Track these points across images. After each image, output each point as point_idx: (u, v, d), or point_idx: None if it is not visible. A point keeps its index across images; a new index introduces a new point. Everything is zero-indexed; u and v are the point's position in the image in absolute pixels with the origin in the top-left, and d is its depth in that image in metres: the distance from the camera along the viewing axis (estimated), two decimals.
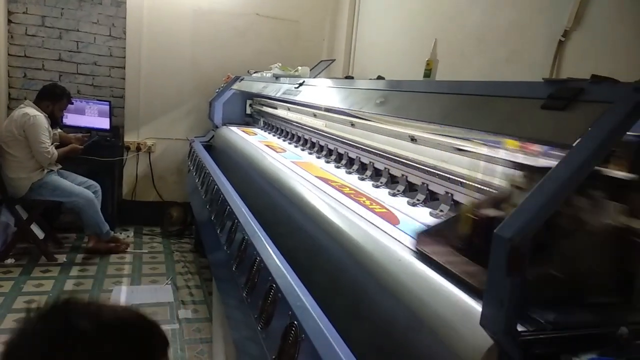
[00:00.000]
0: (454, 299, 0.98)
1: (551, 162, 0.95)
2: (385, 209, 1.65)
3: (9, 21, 4.25)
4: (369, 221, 1.47)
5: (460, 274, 1.00)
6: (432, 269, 1.06)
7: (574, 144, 0.83)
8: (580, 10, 2.07)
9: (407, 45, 3.46)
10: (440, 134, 1.70)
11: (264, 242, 1.67)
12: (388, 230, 1.39)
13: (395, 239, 1.30)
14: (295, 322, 1.20)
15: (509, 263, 0.78)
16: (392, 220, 1.51)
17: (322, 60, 4.21)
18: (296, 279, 1.39)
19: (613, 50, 1.92)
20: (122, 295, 3.31)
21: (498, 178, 1.38)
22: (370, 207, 1.66)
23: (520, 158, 1.08)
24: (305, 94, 2.33)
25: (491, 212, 1.01)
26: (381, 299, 1.20)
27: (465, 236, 1.06)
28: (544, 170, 0.87)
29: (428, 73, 1.57)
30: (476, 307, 0.90)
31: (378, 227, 1.41)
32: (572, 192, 0.82)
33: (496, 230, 0.80)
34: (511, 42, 2.46)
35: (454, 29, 2.88)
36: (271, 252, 1.58)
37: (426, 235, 1.18)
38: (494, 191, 1.28)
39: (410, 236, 1.34)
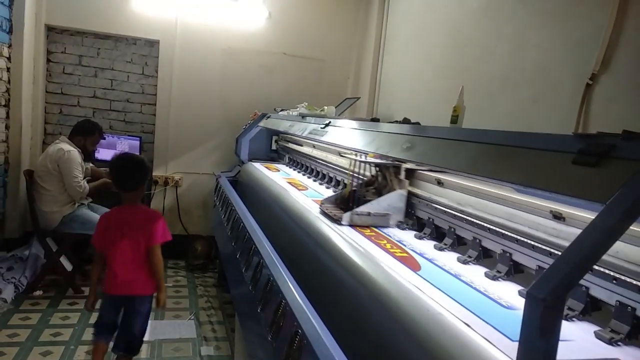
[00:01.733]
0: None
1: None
2: (407, 253, 1.64)
3: (48, 60, 4.45)
4: (388, 266, 1.47)
5: (331, 215, 1.96)
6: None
7: (607, 202, 0.82)
8: (608, 53, 2.07)
9: (432, 85, 3.49)
10: (467, 177, 1.70)
11: (290, 285, 1.67)
12: (408, 276, 1.38)
13: (416, 286, 1.30)
14: None
15: (542, 323, 0.77)
16: (413, 265, 1.50)
17: (347, 98, 4.28)
18: (322, 325, 1.38)
19: None
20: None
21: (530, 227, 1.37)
22: (391, 250, 1.65)
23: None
24: (331, 135, 2.36)
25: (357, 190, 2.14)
26: (408, 346, 1.19)
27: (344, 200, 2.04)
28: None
29: (455, 119, 1.58)
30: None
31: (398, 274, 1.41)
32: (606, 251, 0.81)
33: (529, 289, 0.79)
34: (537, 84, 2.46)
35: (479, 69, 2.91)
36: (297, 295, 1.58)
37: (326, 201, 2.17)
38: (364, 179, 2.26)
39: (432, 284, 1.34)
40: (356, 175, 2.28)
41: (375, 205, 2.02)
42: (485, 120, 2.70)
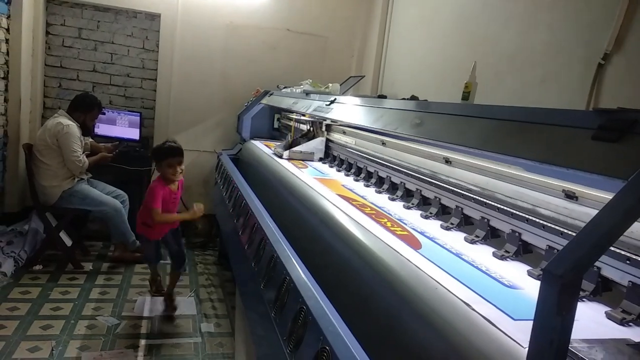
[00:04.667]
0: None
1: None
2: (407, 231, 1.62)
3: (47, 32, 4.38)
4: (386, 244, 1.46)
5: (278, 154, 3.21)
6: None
7: (629, 179, 0.80)
8: (622, 32, 2.02)
9: (438, 64, 3.44)
10: (476, 157, 1.67)
11: (294, 261, 1.66)
12: (408, 255, 1.37)
13: (414, 263, 1.29)
14: (327, 348, 1.17)
15: (560, 301, 0.75)
16: (414, 244, 1.49)
17: (351, 76, 4.22)
18: (327, 302, 1.37)
19: None
20: (146, 305, 3.32)
21: (540, 206, 1.35)
22: (392, 228, 1.64)
23: None
24: (337, 112, 2.32)
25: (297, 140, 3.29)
26: (413, 323, 1.18)
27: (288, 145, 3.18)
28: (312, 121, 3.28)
29: (467, 96, 1.54)
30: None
31: (397, 251, 1.39)
32: (627, 228, 0.79)
33: (547, 266, 0.77)
34: (546, 64, 2.42)
35: (487, 49, 2.85)
36: (301, 272, 1.57)
37: (277, 146, 3.30)
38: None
39: (431, 261, 1.32)
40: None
41: (304, 147, 3.17)
42: (492, 100, 2.65)
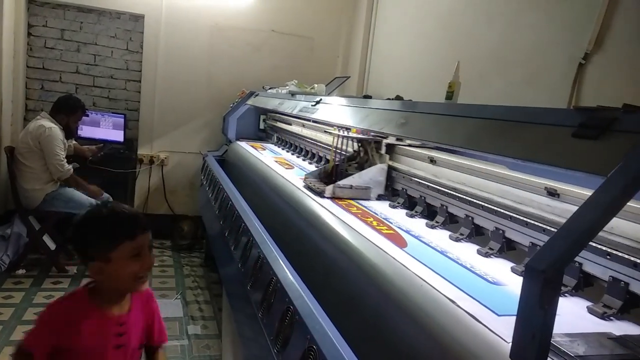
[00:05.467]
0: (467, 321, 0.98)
1: None
2: (393, 230, 1.64)
3: (29, 34, 4.32)
4: (372, 242, 1.47)
5: (315, 188, 1.98)
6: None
7: (608, 175, 0.81)
8: (602, 32, 2.06)
9: (423, 65, 3.47)
10: (460, 157, 1.69)
11: (281, 262, 1.66)
12: (394, 253, 1.38)
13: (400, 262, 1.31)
14: (314, 347, 1.18)
15: (542, 296, 0.76)
16: (400, 242, 1.50)
17: (336, 77, 4.24)
18: (314, 301, 1.38)
19: (635, 75, 1.91)
20: None
21: (523, 204, 1.37)
22: (377, 227, 1.65)
23: None
24: (323, 112, 2.33)
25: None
26: (399, 321, 1.19)
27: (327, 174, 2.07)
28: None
29: (450, 95, 1.56)
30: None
31: (382, 250, 1.40)
32: (606, 223, 0.80)
33: (529, 261, 0.78)
34: (530, 64, 2.45)
35: (471, 49, 2.88)
36: (288, 273, 1.57)
37: (310, 175, 2.18)
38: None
39: (416, 259, 1.33)
40: (339, 150, 2.29)
41: (357, 179, 2.08)
42: (477, 100, 2.68)
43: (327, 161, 2.87)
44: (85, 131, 4.32)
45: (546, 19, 2.39)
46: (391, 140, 2.11)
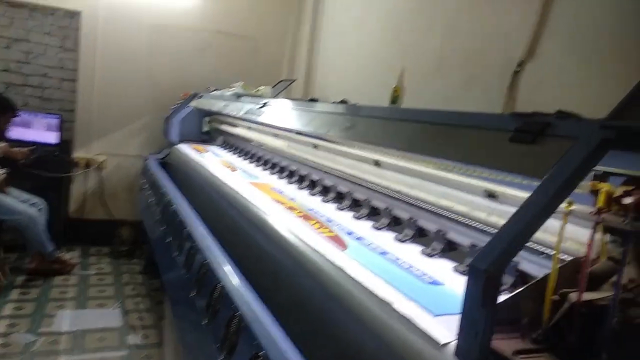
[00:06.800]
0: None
1: None
2: (334, 232, 1.64)
3: None
4: (310, 245, 1.47)
5: None
6: None
7: (543, 178, 0.85)
8: (534, 42, 2.17)
9: (368, 68, 3.52)
10: (404, 159, 1.73)
11: (226, 267, 1.63)
12: (331, 255, 1.39)
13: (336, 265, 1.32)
14: (261, 353, 1.16)
15: (484, 294, 0.79)
16: (340, 244, 1.51)
17: (282, 80, 4.22)
18: (261, 306, 1.36)
19: (565, 82, 2.02)
20: (66, 320, 3.13)
21: (464, 205, 1.41)
22: (319, 230, 1.65)
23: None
24: (269, 115, 2.31)
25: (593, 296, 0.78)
26: (340, 324, 1.20)
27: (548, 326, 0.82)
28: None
29: (395, 99, 1.59)
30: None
31: (318, 252, 1.41)
32: (542, 224, 0.84)
33: (472, 261, 0.81)
34: (469, 69, 2.54)
35: (414, 53, 2.96)
36: (234, 278, 1.54)
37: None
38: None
39: (355, 260, 1.34)
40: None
41: None
42: (420, 103, 2.76)
43: (274, 165, 2.84)
44: (15, 132, 4.06)
45: (483, 27, 2.49)
46: None
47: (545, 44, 2.14)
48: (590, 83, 1.89)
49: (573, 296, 0.77)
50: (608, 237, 0.85)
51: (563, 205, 0.85)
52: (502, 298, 1.09)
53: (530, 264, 1.19)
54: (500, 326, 0.81)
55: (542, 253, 1.16)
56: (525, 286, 0.89)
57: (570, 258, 0.95)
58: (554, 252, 0.87)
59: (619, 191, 0.79)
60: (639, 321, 0.73)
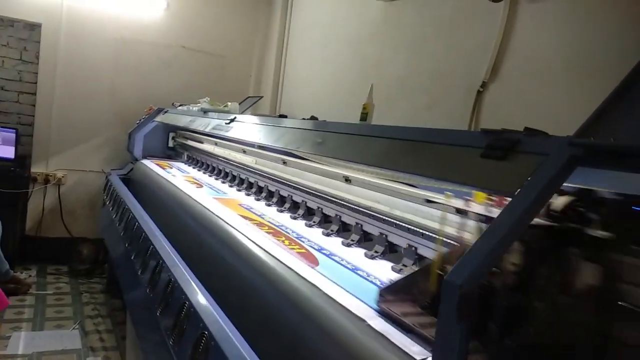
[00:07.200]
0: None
1: None
2: (305, 249, 1.64)
3: None
4: (281, 262, 1.46)
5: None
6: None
7: (515, 193, 0.87)
8: (497, 63, 2.24)
9: (335, 87, 3.55)
10: (373, 175, 1.74)
11: (193, 285, 1.59)
12: (304, 272, 1.38)
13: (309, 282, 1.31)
14: None
15: (460, 310, 0.79)
16: (311, 261, 1.50)
17: (249, 96, 4.22)
18: (230, 325, 1.33)
19: (526, 102, 2.09)
20: (21, 342, 2.97)
21: (434, 221, 1.43)
22: (289, 247, 1.65)
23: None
24: (237, 130, 2.29)
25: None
26: (311, 340, 1.18)
27: (432, 293, 0.98)
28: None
29: (365, 116, 1.61)
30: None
31: (291, 269, 1.40)
32: (516, 239, 0.86)
33: (446, 277, 0.81)
34: (433, 90, 2.60)
35: (379, 73, 3.00)
36: (201, 296, 1.51)
37: (389, 292, 1.15)
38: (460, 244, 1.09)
39: (327, 277, 1.34)
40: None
41: None
42: (385, 123, 2.79)
43: (242, 180, 2.81)
44: None
45: (446, 49, 2.55)
46: None
47: (507, 65, 2.21)
48: (551, 102, 1.96)
49: (448, 268, 0.89)
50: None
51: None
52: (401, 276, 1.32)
53: None
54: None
55: None
56: (421, 267, 1.17)
57: None
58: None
59: None
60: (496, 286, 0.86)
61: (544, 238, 0.89)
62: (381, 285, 1.32)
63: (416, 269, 1.11)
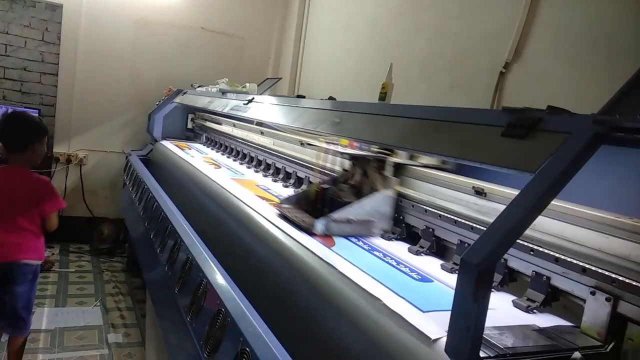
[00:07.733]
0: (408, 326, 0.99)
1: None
2: None
3: None
4: (298, 242, 1.46)
5: (299, 222, 1.57)
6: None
7: (536, 172, 0.85)
8: (520, 44, 2.18)
9: (354, 69, 3.51)
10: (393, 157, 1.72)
11: (211, 263, 1.60)
12: (320, 251, 1.38)
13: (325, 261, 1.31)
14: (247, 349, 1.14)
15: (476, 289, 0.78)
16: (327, 242, 1.50)
17: (268, 78, 4.20)
18: (247, 302, 1.34)
19: (550, 83, 2.04)
20: (44, 317, 3.06)
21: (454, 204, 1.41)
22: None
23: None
24: (255, 111, 2.29)
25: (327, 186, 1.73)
26: (327, 320, 1.19)
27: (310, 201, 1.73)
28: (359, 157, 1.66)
29: (383, 96, 1.58)
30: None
31: (307, 248, 1.40)
32: (535, 218, 0.84)
33: (464, 255, 0.80)
34: (454, 71, 2.55)
35: (399, 55, 2.96)
36: (219, 274, 1.52)
37: (286, 201, 1.77)
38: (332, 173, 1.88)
39: (343, 257, 1.34)
40: (323, 170, 1.89)
41: (357, 210, 1.53)
42: (404, 103, 2.76)
43: (260, 162, 2.81)
44: None
45: (469, 29, 2.50)
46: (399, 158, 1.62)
47: (530, 45, 2.15)
48: (574, 83, 1.91)
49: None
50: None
51: None
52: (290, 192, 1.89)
53: (518, 261, 1.19)
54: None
55: (532, 250, 1.16)
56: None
57: None
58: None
59: None
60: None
61: None
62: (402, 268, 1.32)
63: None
